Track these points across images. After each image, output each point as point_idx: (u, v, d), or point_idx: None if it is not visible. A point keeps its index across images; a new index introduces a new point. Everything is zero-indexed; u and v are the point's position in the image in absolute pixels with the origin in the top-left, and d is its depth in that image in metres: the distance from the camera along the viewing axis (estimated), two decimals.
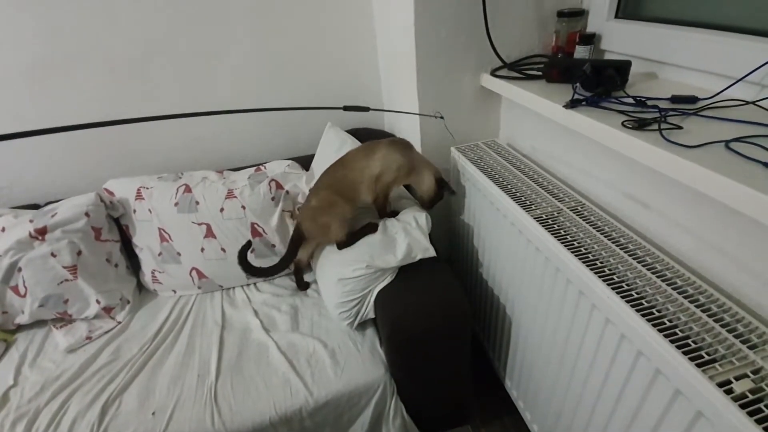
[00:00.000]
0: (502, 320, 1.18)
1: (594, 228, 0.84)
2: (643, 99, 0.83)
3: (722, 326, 0.60)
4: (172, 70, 1.43)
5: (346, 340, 1.16)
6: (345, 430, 1.13)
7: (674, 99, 0.81)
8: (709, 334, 0.60)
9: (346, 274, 1.12)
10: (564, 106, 0.87)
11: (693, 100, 0.80)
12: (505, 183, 1.05)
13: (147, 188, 1.39)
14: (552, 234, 0.84)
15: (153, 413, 1.04)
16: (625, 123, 0.76)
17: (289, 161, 1.50)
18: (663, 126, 0.72)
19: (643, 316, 0.63)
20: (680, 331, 0.61)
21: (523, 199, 0.97)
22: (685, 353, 0.57)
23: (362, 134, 1.59)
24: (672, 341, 0.58)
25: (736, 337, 0.58)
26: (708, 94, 0.79)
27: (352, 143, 1.48)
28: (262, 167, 1.50)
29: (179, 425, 1.02)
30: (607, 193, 0.94)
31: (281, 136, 1.66)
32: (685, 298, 0.65)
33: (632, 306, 0.65)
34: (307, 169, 1.53)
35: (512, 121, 1.31)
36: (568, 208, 0.91)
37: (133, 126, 1.48)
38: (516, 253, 0.99)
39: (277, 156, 1.61)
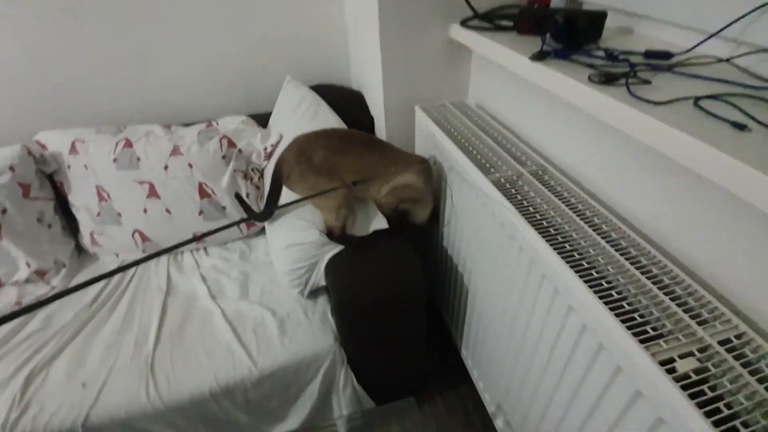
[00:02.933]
0: (459, 288, 1.14)
1: (553, 193, 0.79)
2: (615, 53, 0.76)
3: (672, 299, 0.56)
4: (107, 9, 1.28)
5: (297, 308, 1.11)
6: (293, 401, 1.10)
7: (648, 54, 0.74)
8: (658, 307, 0.56)
9: (296, 240, 1.06)
10: (530, 58, 0.79)
11: (667, 55, 0.73)
12: (466, 145, 0.98)
13: (82, 142, 1.27)
14: (508, 198, 0.78)
15: (83, 384, 0.98)
16: (591, 77, 0.69)
17: (244, 117, 1.40)
18: (631, 81, 0.66)
19: (591, 287, 0.59)
20: (628, 303, 0.56)
21: (483, 161, 0.91)
22: (629, 327, 0.53)
23: (325, 91, 1.48)
24: (617, 314, 0.54)
25: (686, 311, 0.55)
26: (684, 50, 0.72)
27: (313, 100, 1.38)
28: (214, 123, 1.39)
29: (110, 397, 0.96)
30: (571, 156, 0.89)
31: (238, 90, 1.53)
32: (637, 269, 0.61)
33: (581, 276, 0.60)
34: (264, 127, 1.42)
35: (482, 80, 1.22)
36: (529, 172, 0.86)
37: (70, 72, 1.34)
38: (473, 217, 0.94)
39: (235, 112, 1.48)
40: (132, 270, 1.29)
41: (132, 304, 1.18)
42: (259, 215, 1.18)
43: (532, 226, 0.71)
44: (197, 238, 0.31)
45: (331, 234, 1.05)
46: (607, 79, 0.67)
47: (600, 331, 0.56)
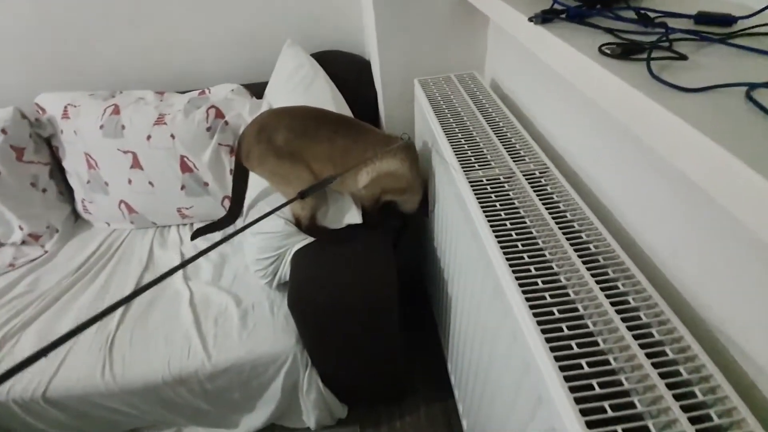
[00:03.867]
0: (444, 293, 0.99)
1: (546, 204, 0.60)
2: (652, 14, 0.54)
3: (672, 385, 0.38)
4: None
5: (264, 301, 1.02)
6: (257, 397, 1.04)
7: (700, 18, 0.52)
8: (646, 395, 0.38)
9: (262, 228, 0.96)
10: (530, 19, 0.59)
11: (727, 20, 0.50)
12: (457, 130, 0.80)
13: (75, 106, 1.24)
14: (484, 204, 0.61)
15: (46, 356, 0.97)
16: (603, 48, 0.49)
17: (235, 85, 1.29)
18: (658, 54, 0.45)
19: (553, 350, 0.42)
20: (601, 383, 0.39)
21: (470, 154, 0.73)
22: (584, 411, 0.36)
23: (332, 58, 1.33)
24: (572, 388, 0.38)
25: (688, 409, 0.37)
26: (754, 13, 0.49)
27: (310, 68, 1.23)
28: (207, 90, 1.30)
29: (69, 372, 0.95)
30: (585, 157, 0.69)
31: (241, 55, 1.41)
32: (629, 327, 0.43)
33: (544, 331, 0.44)
34: (259, 97, 1.32)
35: (499, 51, 1.01)
36: (523, 172, 0.67)
37: (70, 34, 1.30)
38: (454, 218, 0.78)
39: (237, 79, 1.38)
40: (119, 241, 1.28)
41: (111, 275, 1.16)
42: (224, 220, 1.06)
43: (500, 246, 0.54)
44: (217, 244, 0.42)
45: (298, 223, 0.94)
46: (624, 51, 0.47)
47: (553, 412, 0.40)
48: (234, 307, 1.01)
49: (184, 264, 0.46)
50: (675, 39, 0.48)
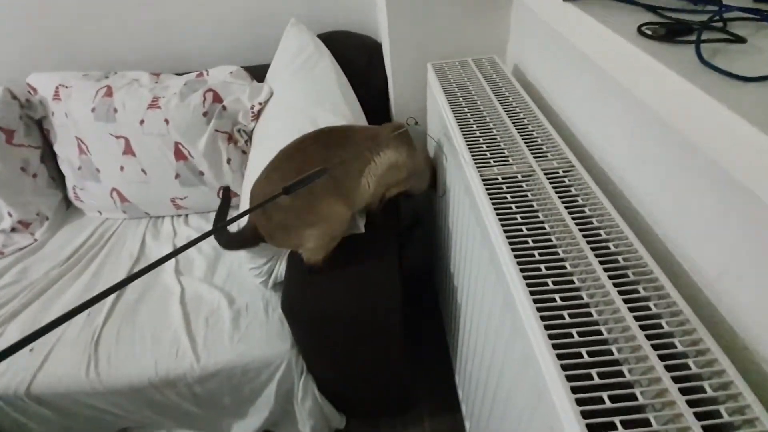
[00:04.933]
0: (452, 301, 0.96)
1: (568, 208, 0.55)
2: None
3: (692, 402, 0.34)
4: None
5: (258, 301, 1.00)
6: (250, 402, 1.02)
7: None
8: (659, 409, 0.34)
9: None
10: None
11: None
12: (472, 123, 0.76)
13: (66, 87, 1.22)
14: (495, 206, 0.57)
15: (31, 349, 0.97)
16: (644, 28, 0.44)
17: (235, 68, 1.26)
18: (708, 36, 0.40)
19: (570, 379, 0.38)
20: (624, 423, 0.35)
21: (485, 148, 0.68)
22: None
23: (340, 39, 1.29)
24: (586, 413, 0.34)
25: None
26: None
27: (315, 49, 1.20)
28: (204, 73, 1.27)
29: (53, 368, 0.94)
30: (613, 153, 0.63)
31: (244, 34, 1.37)
32: (661, 356, 0.39)
33: (556, 349, 0.40)
34: (261, 80, 1.28)
35: (523, 34, 0.95)
36: (545, 170, 0.62)
37: (62, 9, 1.28)
38: (464, 219, 0.73)
39: (240, 61, 1.35)
40: (111, 231, 1.27)
41: (101, 267, 1.16)
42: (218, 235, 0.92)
43: (514, 254, 0.50)
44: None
45: (308, 265, 0.85)
46: (668, 32, 0.42)
47: (554, 419, 0.37)
48: (226, 306, 0.99)
49: (177, 252, 0.42)
50: (730, 18, 0.42)
